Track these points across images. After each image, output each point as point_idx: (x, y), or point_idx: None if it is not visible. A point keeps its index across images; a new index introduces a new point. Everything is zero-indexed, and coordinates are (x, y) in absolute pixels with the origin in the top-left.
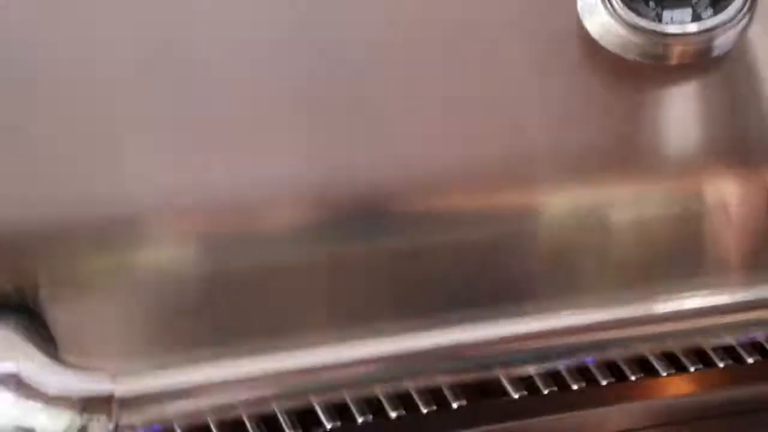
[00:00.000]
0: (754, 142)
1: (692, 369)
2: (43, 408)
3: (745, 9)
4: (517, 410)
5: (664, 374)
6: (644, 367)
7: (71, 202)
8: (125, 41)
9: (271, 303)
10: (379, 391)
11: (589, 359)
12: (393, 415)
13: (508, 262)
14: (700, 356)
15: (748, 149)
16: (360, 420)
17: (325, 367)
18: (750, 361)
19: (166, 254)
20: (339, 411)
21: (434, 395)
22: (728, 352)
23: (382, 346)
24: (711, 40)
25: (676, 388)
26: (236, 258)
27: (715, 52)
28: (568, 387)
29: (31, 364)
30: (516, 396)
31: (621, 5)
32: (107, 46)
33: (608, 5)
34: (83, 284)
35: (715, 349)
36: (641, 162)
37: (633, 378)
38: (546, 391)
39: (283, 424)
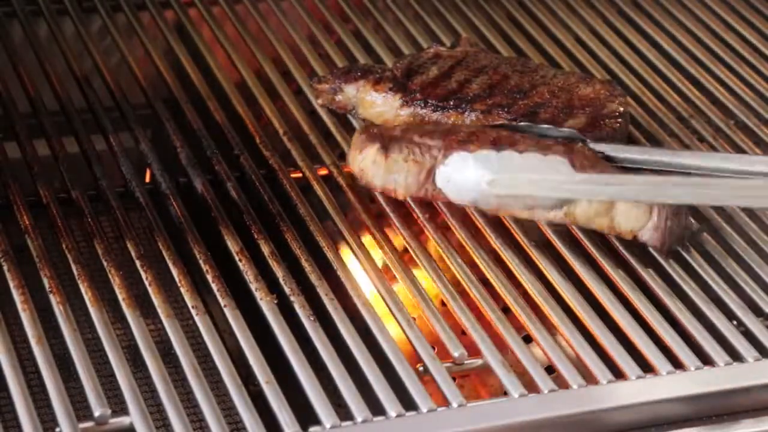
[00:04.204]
0: None
1: (692, 368)
2: None
3: None
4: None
5: (664, 373)
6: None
7: None
8: None
9: None
10: None
11: None
12: (392, 414)
13: None
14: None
15: None
16: (359, 419)
17: None
18: (750, 360)
19: None
20: None
21: None
22: (728, 351)
23: None
24: None
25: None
26: None
27: None
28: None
29: None
30: (516, 395)
31: None
32: None
33: None
34: None
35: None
36: None
37: (633, 378)
38: (546, 391)
39: None
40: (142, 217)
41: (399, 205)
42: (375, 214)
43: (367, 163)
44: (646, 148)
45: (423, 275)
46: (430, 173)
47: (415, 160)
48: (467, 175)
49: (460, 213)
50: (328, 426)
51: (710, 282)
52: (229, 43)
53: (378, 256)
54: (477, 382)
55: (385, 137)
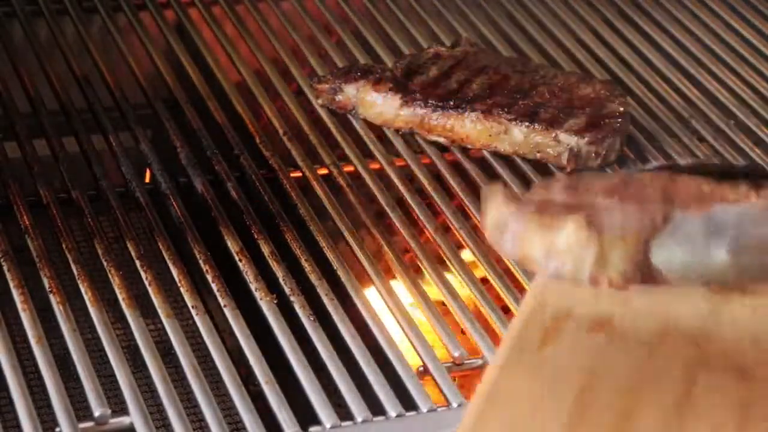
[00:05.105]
0: None
1: None
2: None
3: None
4: None
5: None
6: None
7: None
8: None
9: None
10: None
11: None
12: (392, 414)
13: None
14: None
15: None
16: (359, 419)
17: None
18: None
19: None
20: None
21: None
22: None
23: None
24: None
25: None
26: None
27: None
28: None
29: None
30: None
31: None
32: None
33: None
34: None
35: None
36: None
37: None
38: None
39: None
40: (142, 217)
41: (399, 205)
42: (375, 214)
43: (566, 245)
44: None
45: (423, 275)
46: (646, 248)
47: (632, 228)
48: (697, 244)
49: (459, 213)
50: (328, 426)
51: None
52: (229, 43)
53: (378, 256)
54: (477, 382)
55: (567, 205)
